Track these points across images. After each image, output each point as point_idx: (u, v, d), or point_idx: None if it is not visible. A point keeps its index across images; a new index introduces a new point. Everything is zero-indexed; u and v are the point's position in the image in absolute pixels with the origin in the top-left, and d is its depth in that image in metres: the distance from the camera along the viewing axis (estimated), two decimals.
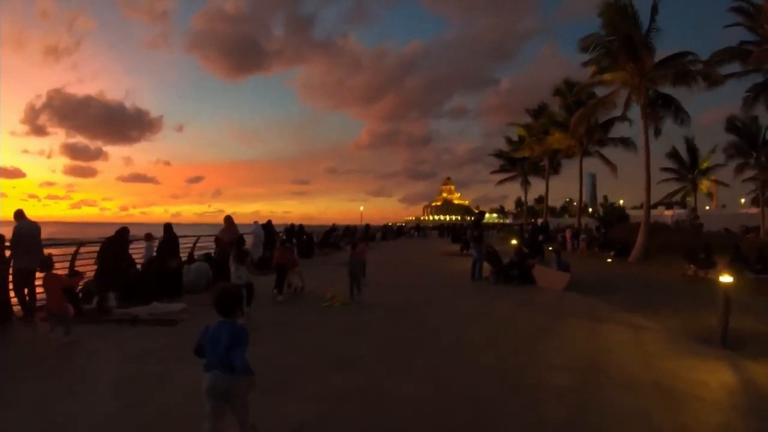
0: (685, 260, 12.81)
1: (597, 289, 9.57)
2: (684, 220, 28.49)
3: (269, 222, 16.09)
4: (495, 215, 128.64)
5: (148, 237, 9.79)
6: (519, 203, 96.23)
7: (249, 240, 14.65)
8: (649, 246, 17.28)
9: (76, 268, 8.40)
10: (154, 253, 8.66)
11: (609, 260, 16.85)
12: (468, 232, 11.07)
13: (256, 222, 15.09)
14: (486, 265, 10.60)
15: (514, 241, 14.57)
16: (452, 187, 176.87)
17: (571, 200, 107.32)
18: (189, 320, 6.73)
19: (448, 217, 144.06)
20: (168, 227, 8.44)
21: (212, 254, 9.82)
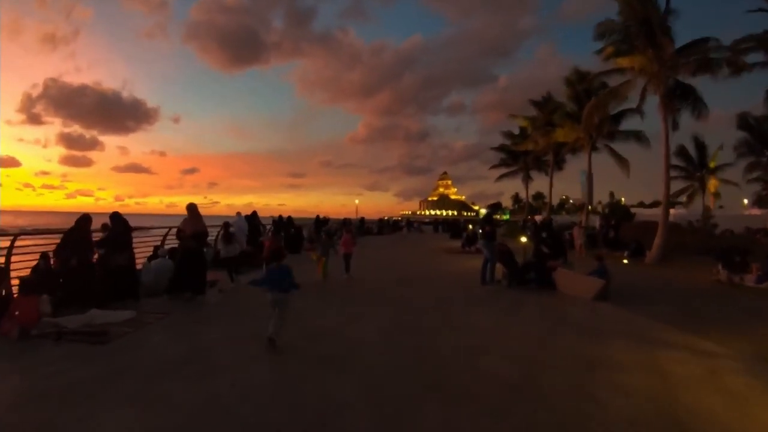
0: (719, 263, 11.44)
1: (629, 298, 8.18)
2: (698, 219, 27.21)
3: (254, 213, 14.61)
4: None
5: (106, 228, 8.27)
6: (517, 199, 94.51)
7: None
8: (667, 247, 16.03)
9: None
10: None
11: (625, 261, 15.47)
12: (479, 228, 9.55)
13: (238, 213, 13.60)
14: (497, 266, 9.18)
15: (523, 239, 13.14)
16: (449, 182, 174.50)
17: (567, 197, 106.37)
18: (131, 335, 5.27)
19: (444, 212, 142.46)
20: (116, 216, 6.92)
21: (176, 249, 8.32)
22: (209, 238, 10.16)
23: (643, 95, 17.90)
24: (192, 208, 7.15)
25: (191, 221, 7.05)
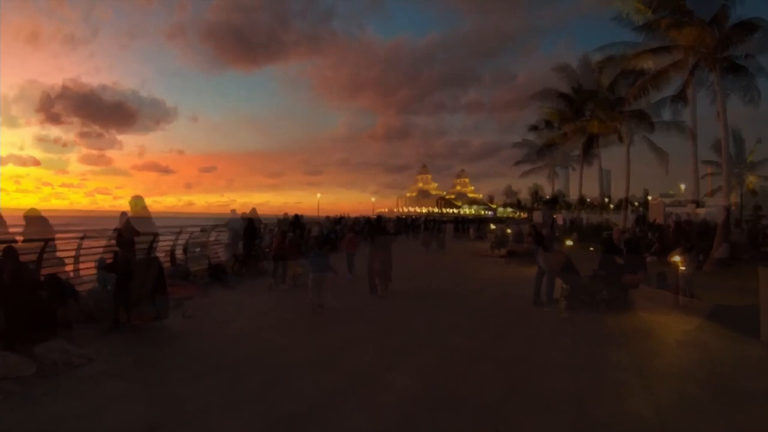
0: None
1: (730, 322, 5.86)
2: (747, 219, 24.60)
3: (253, 212, 12.65)
4: (510, 209, 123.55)
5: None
6: (536, 197, 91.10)
7: (224, 235, 11.39)
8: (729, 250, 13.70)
9: None
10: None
11: (682, 268, 13.09)
12: (534, 231, 7.42)
13: (233, 211, 11.69)
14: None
15: (569, 242, 10.96)
16: (466, 180, 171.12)
17: (585, 196, 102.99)
18: (14, 401, 3.28)
19: (461, 211, 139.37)
20: (33, 213, 4.96)
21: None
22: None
23: (691, 75, 15.82)
24: (136, 203, 5.15)
25: (134, 222, 5.08)
